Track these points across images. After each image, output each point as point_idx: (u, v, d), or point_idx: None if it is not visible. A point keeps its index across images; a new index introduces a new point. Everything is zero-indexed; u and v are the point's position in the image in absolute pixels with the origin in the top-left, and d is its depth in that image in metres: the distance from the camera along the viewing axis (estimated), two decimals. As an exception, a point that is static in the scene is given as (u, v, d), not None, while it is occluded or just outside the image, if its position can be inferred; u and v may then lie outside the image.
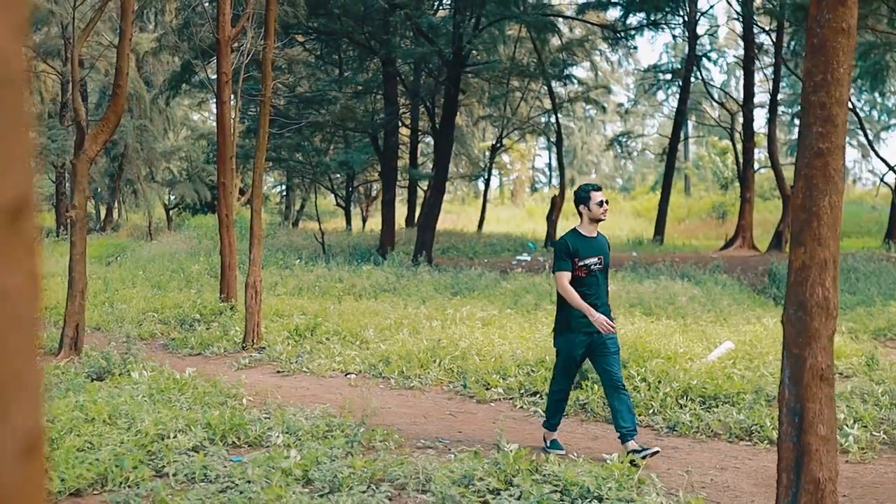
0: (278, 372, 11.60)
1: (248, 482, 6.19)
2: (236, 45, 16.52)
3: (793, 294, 4.61)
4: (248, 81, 21.47)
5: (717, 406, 9.12)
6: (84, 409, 7.90)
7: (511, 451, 6.55)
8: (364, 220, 45.58)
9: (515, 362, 10.63)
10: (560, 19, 34.68)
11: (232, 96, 16.87)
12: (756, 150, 35.83)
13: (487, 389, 10.12)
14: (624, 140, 44.69)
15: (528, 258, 27.46)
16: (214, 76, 18.79)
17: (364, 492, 6.12)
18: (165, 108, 40.05)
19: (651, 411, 9.04)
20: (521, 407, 9.58)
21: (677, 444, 8.16)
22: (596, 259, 7.53)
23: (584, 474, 6.21)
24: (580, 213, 7.69)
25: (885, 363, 10.81)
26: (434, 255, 27.00)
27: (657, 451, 7.41)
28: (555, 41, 35.22)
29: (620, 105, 54.72)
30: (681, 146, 64.19)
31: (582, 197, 7.65)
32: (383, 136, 29.61)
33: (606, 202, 7.66)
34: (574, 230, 7.69)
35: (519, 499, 5.95)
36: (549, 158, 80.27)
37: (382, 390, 10.41)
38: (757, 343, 11.71)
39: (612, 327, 7.44)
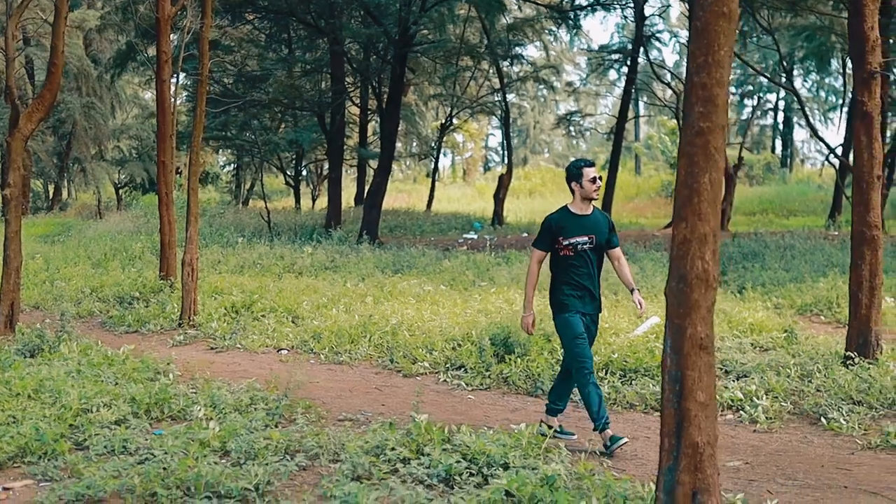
0: (212, 348, 11.72)
1: (166, 453, 6.31)
2: (183, 23, 16.52)
3: (674, 267, 4.81)
4: (192, 60, 21.40)
5: (636, 378, 9.37)
6: (9, 384, 7.96)
7: (422, 421, 6.72)
8: (314, 199, 45.56)
9: (443, 337, 10.83)
10: (509, -1, 34.80)
11: (174, 75, 16.86)
12: (702, 130, 35.86)
13: (414, 364, 10.31)
14: (574, 119, 44.90)
15: (475, 237, 27.66)
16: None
17: (278, 461, 6.27)
18: (112, 86, 39.68)
19: (571, 384, 9.24)
20: (445, 381, 9.78)
21: (593, 416, 8.37)
22: (586, 238, 7.20)
23: (492, 444, 6.39)
24: (572, 191, 7.31)
25: (802, 337, 11.11)
26: (381, 234, 27.11)
27: (574, 437, 7.41)
28: (504, 20, 35.32)
29: (570, 84, 54.93)
30: (632, 126, 64.72)
31: (574, 173, 7.27)
32: (330, 115, 29.61)
33: (600, 178, 7.28)
34: (564, 207, 7.37)
35: (428, 467, 6.13)
36: (503, 137, 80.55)
37: (312, 365, 10.56)
38: (683, 318, 11.91)
39: (532, 332, 7.46)
